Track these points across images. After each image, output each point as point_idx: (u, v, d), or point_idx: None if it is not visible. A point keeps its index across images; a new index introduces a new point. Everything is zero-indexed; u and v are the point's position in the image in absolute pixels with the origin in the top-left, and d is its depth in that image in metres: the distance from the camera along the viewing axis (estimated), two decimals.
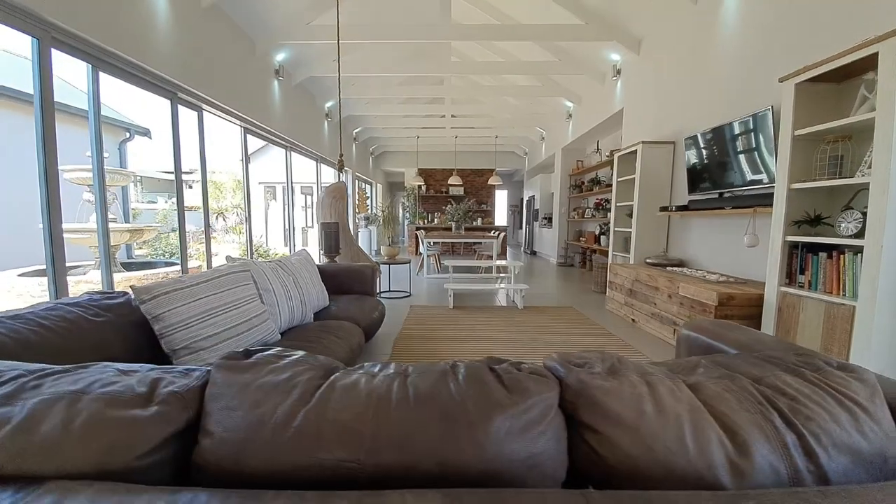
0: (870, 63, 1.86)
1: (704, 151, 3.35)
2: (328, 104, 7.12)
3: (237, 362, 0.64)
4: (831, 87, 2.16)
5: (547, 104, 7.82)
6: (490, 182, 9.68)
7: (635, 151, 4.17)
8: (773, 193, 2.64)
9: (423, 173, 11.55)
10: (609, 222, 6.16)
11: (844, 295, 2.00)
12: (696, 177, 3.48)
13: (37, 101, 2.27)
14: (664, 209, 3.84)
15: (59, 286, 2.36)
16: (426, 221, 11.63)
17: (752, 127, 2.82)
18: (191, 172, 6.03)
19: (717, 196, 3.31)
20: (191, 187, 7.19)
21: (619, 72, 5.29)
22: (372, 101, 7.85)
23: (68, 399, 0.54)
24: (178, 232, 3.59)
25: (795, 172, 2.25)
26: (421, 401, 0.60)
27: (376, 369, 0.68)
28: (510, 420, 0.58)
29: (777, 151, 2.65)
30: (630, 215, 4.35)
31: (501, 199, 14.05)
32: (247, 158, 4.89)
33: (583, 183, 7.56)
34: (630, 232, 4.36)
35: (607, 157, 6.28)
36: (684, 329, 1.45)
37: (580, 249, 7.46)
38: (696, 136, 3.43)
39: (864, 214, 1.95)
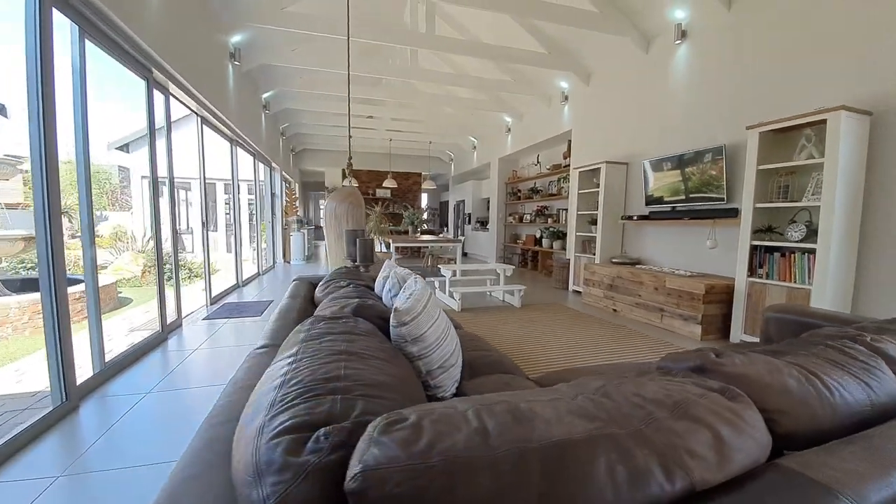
0: (814, 124, 2.75)
1: (672, 173, 4.23)
2: (266, 94, 6.41)
3: None
4: (781, 137, 3.06)
5: (486, 116, 8.41)
6: (424, 186, 9.90)
7: (598, 169, 4.94)
8: (727, 208, 3.57)
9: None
10: (549, 227, 7.03)
11: (795, 282, 2.89)
12: (655, 191, 4.35)
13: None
14: (628, 218, 4.67)
15: None
16: None
17: (708, 158, 3.71)
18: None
19: (670, 209, 4.22)
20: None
21: (566, 98, 6.11)
22: (311, 95, 7.31)
23: None
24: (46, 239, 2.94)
25: (757, 195, 3.11)
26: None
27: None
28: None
29: (727, 178, 3.59)
30: (593, 222, 5.12)
31: (423, 202, 14.35)
32: (203, 152, 4.17)
33: (520, 191, 8.37)
34: (591, 236, 5.14)
35: (548, 169, 7.14)
36: (770, 313, 1.98)
37: (519, 251, 8.25)
38: (663, 159, 4.28)
39: (807, 226, 2.86)
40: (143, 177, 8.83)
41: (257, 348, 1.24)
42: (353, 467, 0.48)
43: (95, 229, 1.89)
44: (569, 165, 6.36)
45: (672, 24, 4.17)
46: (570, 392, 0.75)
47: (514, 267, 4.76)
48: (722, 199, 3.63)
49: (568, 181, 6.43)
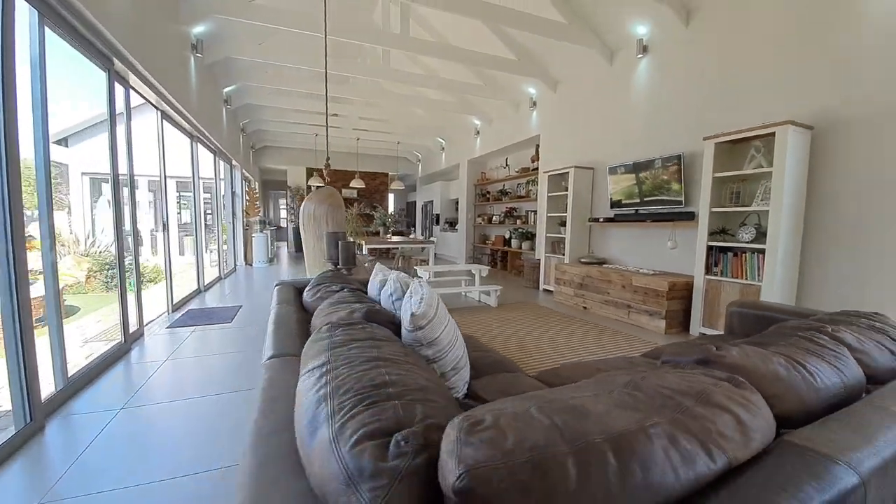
0: (763, 136, 3.05)
1: (627, 177, 4.50)
2: (228, 89, 6.10)
3: None
4: (734, 147, 3.37)
5: (455, 118, 8.50)
6: (393, 187, 9.83)
7: (567, 173, 5.17)
8: (684, 212, 3.87)
9: (311, 173, 10.79)
10: (518, 228, 7.24)
11: (746, 278, 3.20)
12: (619, 195, 4.63)
13: None
14: (594, 220, 4.92)
15: None
16: None
17: (668, 164, 4.01)
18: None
19: (633, 212, 4.50)
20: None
21: (535, 103, 6.33)
22: (276, 91, 7.04)
23: None
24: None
25: (713, 200, 3.40)
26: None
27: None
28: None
29: (684, 184, 3.89)
30: (562, 224, 5.35)
31: (390, 203, 14.20)
32: (163, 148, 3.91)
33: (489, 192, 8.54)
34: (560, 237, 5.36)
35: (517, 172, 7.34)
36: (733, 308, 2.19)
37: (488, 251, 8.41)
38: (619, 165, 4.56)
39: (756, 229, 3.17)
40: (83, 173, 8.09)
41: (268, 358, 1.21)
42: (455, 468, 0.51)
43: (26, 230, 1.72)
44: (537, 169, 6.58)
45: (634, 38, 4.45)
46: (604, 388, 0.81)
47: (489, 268, 4.87)
48: (680, 203, 3.93)
49: (536, 184, 6.66)
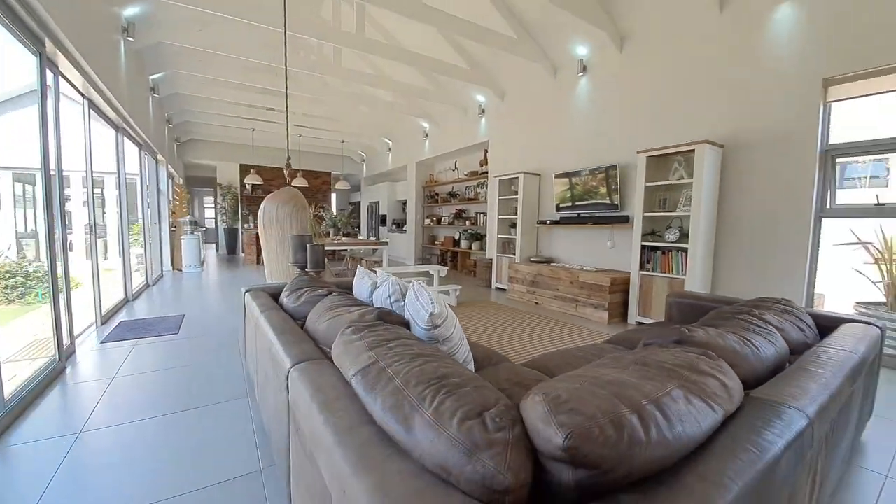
0: (685, 152, 3.59)
1: (571, 184, 4.94)
2: (155, 76, 5.53)
3: None
4: (661, 160, 3.89)
5: (403, 119, 8.53)
6: (337, 186, 9.58)
7: (517, 178, 5.51)
8: (620, 215, 4.37)
9: (246, 170, 10.10)
10: (468, 229, 7.52)
11: (673, 273, 3.73)
12: (564, 200, 5.06)
13: None
14: (542, 222, 5.31)
15: None
16: (253, 225, 10.22)
17: (606, 173, 4.49)
18: None
19: (576, 215, 4.96)
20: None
21: (483, 110, 6.62)
22: (211, 81, 6.51)
23: None
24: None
25: (646, 206, 3.90)
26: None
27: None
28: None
29: (620, 191, 4.39)
30: (512, 225, 5.68)
31: (332, 203, 13.72)
32: (90, 142, 3.47)
33: (437, 194, 8.70)
34: (510, 238, 5.70)
35: (466, 175, 7.60)
36: (672, 298, 2.58)
37: (438, 252, 8.57)
38: (563, 172, 4.99)
39: (680, 231, 3.71)
40: None
41: (293, 365, 1.21)
42: (558, 431, 0.63)
43: None
44: (486, 172, 6.89)
45: (576, 58, 4.90)
46: (621, 365, 0.99)
47: (447, 268, 5.02)
48: (616, 207, 4.43)
49: (485, 187, 6.97)
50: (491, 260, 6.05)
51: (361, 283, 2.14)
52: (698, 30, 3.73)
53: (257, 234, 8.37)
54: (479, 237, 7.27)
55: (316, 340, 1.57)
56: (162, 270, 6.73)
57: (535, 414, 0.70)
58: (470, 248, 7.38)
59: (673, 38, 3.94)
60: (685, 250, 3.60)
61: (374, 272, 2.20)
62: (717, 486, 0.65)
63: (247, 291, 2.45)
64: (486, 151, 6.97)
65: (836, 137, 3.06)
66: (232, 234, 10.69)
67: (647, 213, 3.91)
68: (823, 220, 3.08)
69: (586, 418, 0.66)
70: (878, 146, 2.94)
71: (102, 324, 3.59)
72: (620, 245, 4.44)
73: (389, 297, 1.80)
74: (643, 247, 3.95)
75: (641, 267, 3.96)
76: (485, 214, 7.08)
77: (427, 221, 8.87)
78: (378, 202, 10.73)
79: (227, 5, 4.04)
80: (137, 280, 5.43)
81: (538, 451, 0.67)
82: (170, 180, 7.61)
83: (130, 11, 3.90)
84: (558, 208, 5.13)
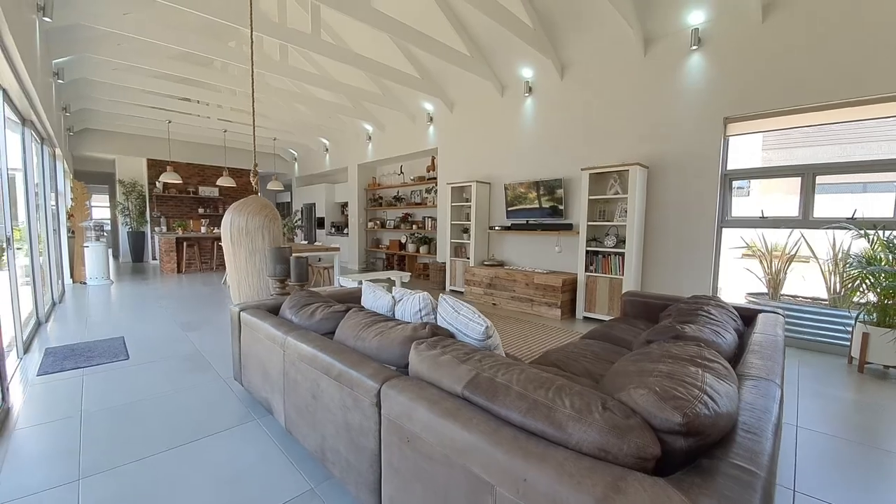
0: (620, 171, 4.22)
1: (520, 192, 5.42)
2: (59, 60, 4.72)
3: None
4: (600, 177, 4.50)
5: (344, 121, 8.33)
6: (270, 187, 9.00)
7: (469, 186, 5.84)
8: (565, 223, 4.94)
9: (158, 166, 8.98)
10: (416, 233, 7.69)
11: (612, 274, 4.37)
12: (514, 208, 5.52)
13: None
14: (492, 228, 5.71)
15: None
16: (166, 228, 9.10)
17: (552, 185, 5.03)
18: None
19: (525, 222, 5.45)
20: None
21: (432, 119, 6.84)
22: (123, 68, 5.71)
23: None
24: None
25: (589, 216, 4.49)
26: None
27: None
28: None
29: (565, 201, 4.97)
30: (465, 231, 6.00)
31: None
32: (4, 137, 2.91)
33: (381, 198, 8.68)
34: (464, 243, 6.02)
35: (412, 180, 7.74)
36: (626, 296, 3.09)
37: (383, 255, 8.56)
38: (512, 182, 5.44)
39: (616, 238, 4.36)
40: None
41: (383, 384, 1.31)
42: (675, 412, 0.90)
43: None
44: (434, 178, 7.12)
45: (522, 79, 5.38)
46: (653, 358, 1.30)
47: (410, 274, 5.14)
48: (562, 215, 5.00)
49: (433, 192, 7.20)
50: (444, 263, 6.31)
51: (375, 298, 2.22)
52: (626, 68, 4.41)
53: (177, 239, 7.56)
54: (427, 241, 7.47)
55: (365, 356, 1.66)
56: (63, 285, 5.72)
57: (646, 402, 0.96)
58: (417, 251, 7.54)
59: (605, 71, 4.59)
60: (622, 254, 4.24)
61: (384, 286, 2.30)
62: (755, 437, 0.98)
63: (241, 311, 2.36)
64: (434, 158, 7.20)
65: (731, 164, 3.90)
66: (138, 239, 9.38)
67: (590, 223, 4.50)
68: (724, 229, 3.91)
69: (687, 401, 0.94)
70: (762, 172, 3.83)
71: (24, 352, 3.05)
72: (566, 249, 5.01)
73: (420, 311, 1.93)
74: (587, 251, 4.54)
75: (586, 269, 4.54)
76: (433, 219, 7.30)
77: (370, 225, 8.81)
78: (314, 203, 10.30)
79: None
80: (42, 297, 4.59)
81: (655, 428, 0.93)
82: (67, 179, 6.48)
83: None
84: (508, 215, 5.58)
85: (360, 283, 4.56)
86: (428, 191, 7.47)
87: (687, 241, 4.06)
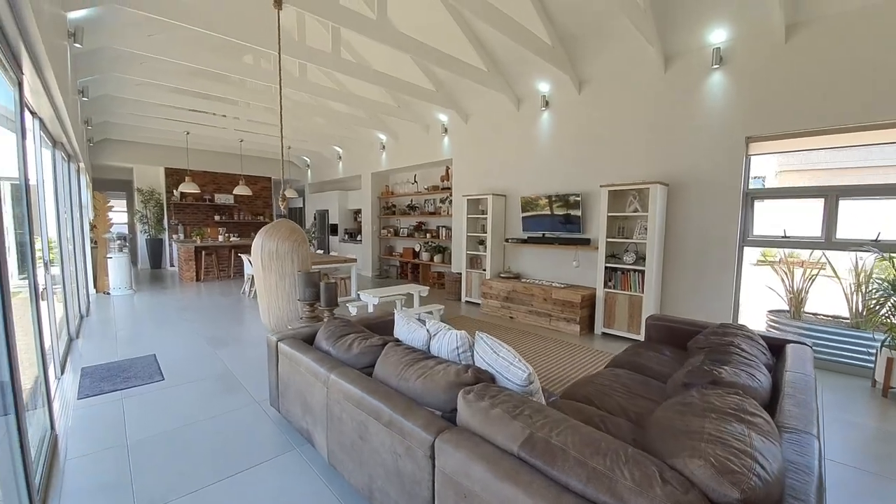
0: (640, 189, 4.24)
1: (537, 205, 5.44)
2: (84, 80, 4.84)
3: None
4: (619, 194, 4.52)
5: (359, 131, 8.40)
6: (286, 195, 9.08)
7: (485, 198, 5.88)
8: (583, 238, 4.96)
9: (175, 174, 9.13)
10: (430, 242, 7.75)
11: (632, 291, 4.38)
12: (531, 221, 5.55)
13: None
14: (508, 240, 5.75)
15: None
16: (184, 236, 9.26)
17: (571, 200, 5.05)
18: None
19: (542, 235, 5.48)
20: None
21: (446, 130, 6.88)
22: (144, 84, 5.82)
23: None
24: None
25: (608, 233, 4.51)
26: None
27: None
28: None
29: (583, 216, 4.99)
30: (481, 243, 6.04)
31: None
32: (40, 158, 3.01)
33: (394, 206, 8.74)
34: (479, 254, 6.06)
35: (426, 189, 7.79)
36: (651, 320, 3.11)
37: (397, 263, 8.64)
38: (529, 196, 5.47)
39: (636, 254, 4.38)
40: None
41: (437, 436, 1.36)
42: (733, 488, 0.94)
43: None
44: (449, 188, 7.16)
45: (538, 93, 5.40)
46: (696, 411, 1.34)
47: (428, 288, 5.19)
48: (579, 230, 5.02)
49: (447, 202, 7.24)
50: (459, 274, 6.36)
51: (409, 331, 2.27)
52: (646, 84, 4.41)
53: (195, 248, 7.68)
54: (441, 250, 7.53)
55: (409, 398, 1.71)
56: (88, 296, 5.86)
57: (703, 475, 1.00)
58: (432, 260, 7.60)
59: (624, 87, 4.59)
60: (642, 272, 4.26)
61: (419, 317, 2.36)
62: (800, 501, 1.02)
63: (279, 341, 2.43)
64: (448, 168, 7.24)
65: (753, 183, 3.90)
66: (156, 246, 9.55)
67: (609, 239, 4.51)
68: (745, 248, 3.91)
69: (743, 475, 0.98)
70: (785, 193, 3.83)
71: (62, 373, 3.16)
72: (583, 264, 5.04)
73: (458, 348, 1.98)
74: (606, 268, 4.56)
75: (605, 285, 4.56)
76: (447, 228, 7.35)
77: (384, 232, 8.88)
78: (327, 210, 10.40)
79: (189, 15, 3.71)
80: (72, 310, 4.72)
81: (713, 502, 0.97)
82: (89, 190, 6.63)
83: (79, 14, 3.43)
84: (525, 228, 5.61)
85: (379, 299, 4.63)
86: (442, 200, 7.52)
87: (708, 260, 4.07)
